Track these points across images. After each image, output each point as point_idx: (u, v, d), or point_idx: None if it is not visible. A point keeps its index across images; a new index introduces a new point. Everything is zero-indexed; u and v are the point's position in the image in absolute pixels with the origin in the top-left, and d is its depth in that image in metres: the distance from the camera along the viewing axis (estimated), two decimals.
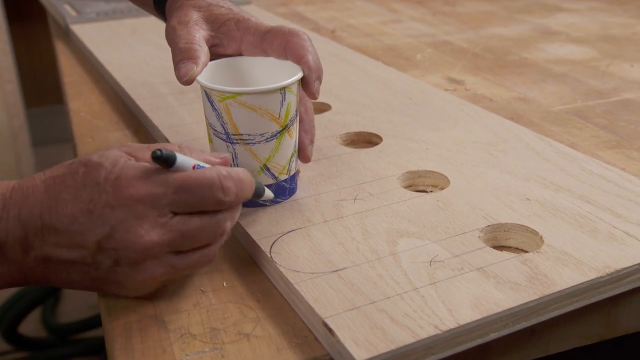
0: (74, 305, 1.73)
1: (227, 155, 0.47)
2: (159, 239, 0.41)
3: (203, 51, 0.53)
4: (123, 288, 0.44)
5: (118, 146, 0.44)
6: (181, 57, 0.52)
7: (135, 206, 0.41)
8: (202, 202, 0.42)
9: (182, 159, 0.43)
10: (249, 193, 0.45)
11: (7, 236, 0.42)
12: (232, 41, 0.57)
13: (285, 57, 0.54)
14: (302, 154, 0.57)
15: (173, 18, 0.57)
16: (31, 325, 1.64)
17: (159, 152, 0.41)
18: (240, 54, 0.57)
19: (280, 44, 0.54)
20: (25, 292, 1.56)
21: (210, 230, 0.43)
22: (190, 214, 0.43)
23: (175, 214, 0.42)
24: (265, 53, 0.56)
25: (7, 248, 0.42)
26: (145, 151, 0.44)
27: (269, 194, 0.52)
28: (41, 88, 2.69)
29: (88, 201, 0.41)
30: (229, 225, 0.45)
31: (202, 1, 0.59)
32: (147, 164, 0.43)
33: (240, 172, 0.44)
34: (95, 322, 1.60)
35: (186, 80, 0.51)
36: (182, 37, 0.54)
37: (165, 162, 0.42)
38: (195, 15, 0.57)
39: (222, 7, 0.58)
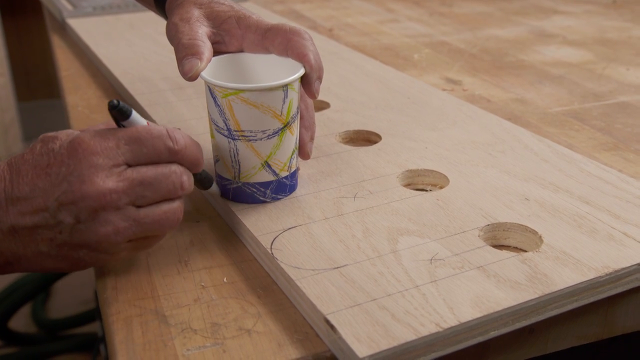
0: (64, 301, 1.72)
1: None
2: (114, 185, 0.42)
3: (206, 47, 0.53)
4: (93, 252, 0.44)
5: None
6: (185, 53, 0.52)
7: (89, 158, 0.42)
8: (154, 151, 0.44)
9: (136, 115, 0.45)
10: (197, 152, 0.47)
11: None
12: (233, 39, 0.57)
13: (287, 55, 0.54)
14: (302, 150, 0.57)
15: (174, 15, 0.57)
16: (21, 321, 1.63)
17: (116, 102, 0.44)
18: (241, 52, 0.57)
19: (281, 42, 0.54)
20: (16, 288, 1.56)
21: (168, 180, 0.44)
22: (145, 165, 0.44)
23: (129, 166, 0.44)
24: (266, 51, 0.56)
25: None
26: (98, 126, 0.46)
27: (215, 189, 0.53)
28: (33, 82, 2.68)
29: (45, 166, 0.43)
30: (185, 179, 0.46)
31: None
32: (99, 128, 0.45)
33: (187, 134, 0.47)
34: (85, 318, 1.60)
35: (191, 76, 0.51)
36: (185, 33, 0.54)
37: (121, 112, 0.44)
38: (196, 12, 0.57)
39: (223, 4, 0.58)
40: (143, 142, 0.44)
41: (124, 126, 0.45)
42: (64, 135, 0.44)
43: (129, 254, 0.46)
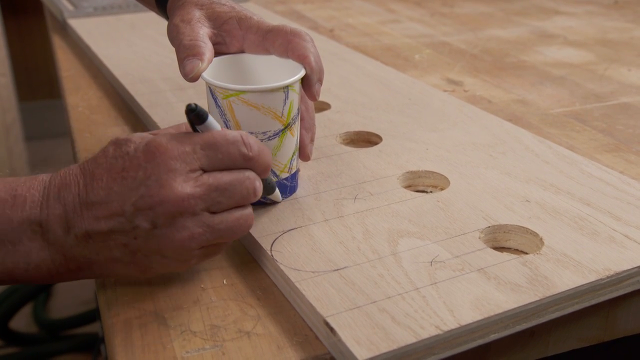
0: (66, 301, 1.72)
1: None
2: (192, 191, 0.42)
3: (208, 48, 0.53)
4: (165, 258, 0.43)
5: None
6: (186, 54, 0.52)
7: (166, 163, 0.42)
8: (229, 157, 0.44)
9: (212, 119, 0.45)
10: (269, 158, 0.46)
11: (48, 216, 0.42)
12: (234, 39, 0.56)
13: (287, 57, 0.54)
14: (303, 152, 0.57)
15: (175, 16, 0.57)
16: (22, 321, 1.63)
17: (193, 105, 0.43)
18: (242, 52, 0.57)
19: (282, 43, 0.54)
20: (17, 288, 1.56)
21: (242, 186, 0.44)
22: (220, 171, 0.44)
23: (205, 172, 0.43)
24: (267, 52, 0.56)
25: (48, 229, 0.42)
26: (168, 130, 0.46)
27: (277, 194, 0.52)
28: (35, 82, 2.68)
29: (121, 170, 0.42)
30: (258, 185, 0.45)
31: None
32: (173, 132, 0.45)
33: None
34: (86, 318, 1.60)
35: (192, 77, 0.51)
36: (186, 34, 0.54)
37: (198, 116, 0.43)
38: (197, 13, 0.57)
39: (224, 5, 0.58)
40: (219, 147, 0.43)
41: (198, 130, 0.44)
42: (137, 138, 0.44)
43: (198, 261, 0.45)
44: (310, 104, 0.58)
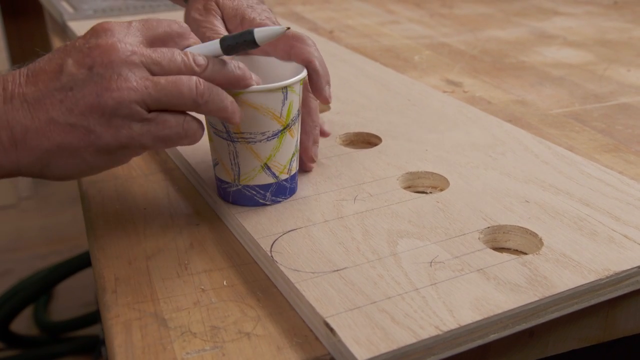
0: (66, 303, 1.73)
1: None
2: (131, 43, 0.45)
3: None
4: (105, 119, 0.43)
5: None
6: None
7: (106, 27, 0.46)
8: (164, 27, 0.49)
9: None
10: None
11: None
12: None
13: (290, 61, 0.55)
14: (306, 155, 0.57)
15: (192, 10, 0.59)
16: (23, 323, 1.63)
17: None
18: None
19: (284, 48, 0.54)
20: (18, 290, 1.56)
21: (178, 55, 0.46)
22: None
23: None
24: (267, 55, 0.56)
25: None
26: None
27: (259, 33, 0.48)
28: None
29: (64, 47, 0.46)
30: (200, 58, 0.47)
31: None
32: None
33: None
34: (87, 320, 1.60)
35: None
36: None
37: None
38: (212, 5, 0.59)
39: None
40: (151, 21, 0.48)
41: None
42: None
43: (142, 137, 0.44)
44: (314, 106, 0.58)
